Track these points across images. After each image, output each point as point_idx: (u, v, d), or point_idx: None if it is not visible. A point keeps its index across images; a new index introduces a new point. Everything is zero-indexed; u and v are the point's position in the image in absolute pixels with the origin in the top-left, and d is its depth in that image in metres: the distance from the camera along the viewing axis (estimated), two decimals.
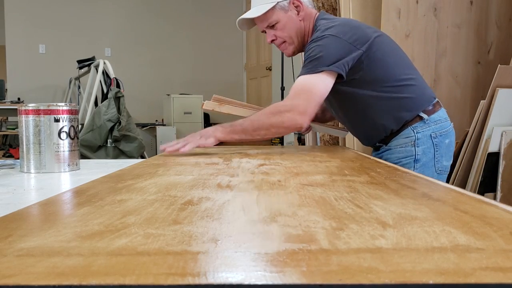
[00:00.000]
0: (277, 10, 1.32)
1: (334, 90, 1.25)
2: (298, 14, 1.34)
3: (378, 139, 1.35)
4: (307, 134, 2.28)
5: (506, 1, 2.56)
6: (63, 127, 0.96)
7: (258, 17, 1.33)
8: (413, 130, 1.28)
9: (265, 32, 1.39)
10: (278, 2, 1.31)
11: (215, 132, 1.22)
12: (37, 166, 0.95)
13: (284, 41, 1.36)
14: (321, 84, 1.21)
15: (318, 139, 2.59)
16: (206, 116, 5.84)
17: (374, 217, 0.42)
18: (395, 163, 1.19)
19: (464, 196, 0.52)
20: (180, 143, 1.19)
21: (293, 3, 1.33)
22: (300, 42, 1.37)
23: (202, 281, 0.26)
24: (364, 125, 1.36)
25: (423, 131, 1.28)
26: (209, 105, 1.47)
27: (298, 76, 1.25)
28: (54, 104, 0.95)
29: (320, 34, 1.25)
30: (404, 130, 1.29)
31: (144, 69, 6.09)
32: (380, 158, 1.31)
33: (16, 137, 5.36)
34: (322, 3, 2.49)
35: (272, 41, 1.37)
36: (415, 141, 1.28)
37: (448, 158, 1.34)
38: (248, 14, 1.35)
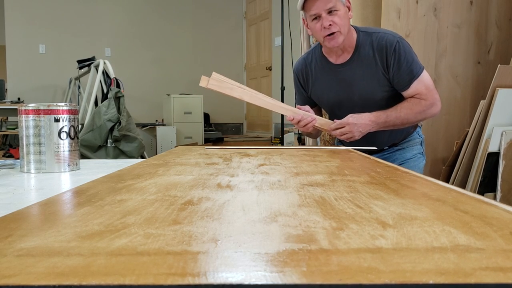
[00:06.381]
0: (338, 0, 1.41)
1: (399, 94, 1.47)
2: (348, 13, 1.46)
3: (394, 141, 1.57)
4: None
5: (506, 1, 2.56)
6: (63, 127, 0.96)
7: None
8: (418, 133, 1.60)
9: (317, 19, 1.43)
10: None
11: (367, 128, 1.40)
12: (37, 166, 0.94)
13: (339, 30, 1.43)
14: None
15: (318, 139, 2.59)
16: (206, 116, 5.84)
17: (374, 217, 0.42)
18: (410, 158, 1.57)
19: (464, 196, 0.52)
20: (345, 134, 1.38)
21: (347, 3, 1.45)
22: (345, 37, 1.45)
23: (202, 281, 0.26)
24: (401, 129, 1.51)
25: (421, 133, 1.63)
26: (204, 83, 1.45)
27: (416, 74, 1.41)
28: (54, 104, 0.95)
29: (400, 41, 1.43)
30: (413, 133, 1.59)
31: (144, 69, 6.09)
32: (391, 156, 1.59)
33: (16, 137, 5.36)
34: None
35: (329, 26, 1.42)
36: (421, 141, 1.62)
37: None
38: None
